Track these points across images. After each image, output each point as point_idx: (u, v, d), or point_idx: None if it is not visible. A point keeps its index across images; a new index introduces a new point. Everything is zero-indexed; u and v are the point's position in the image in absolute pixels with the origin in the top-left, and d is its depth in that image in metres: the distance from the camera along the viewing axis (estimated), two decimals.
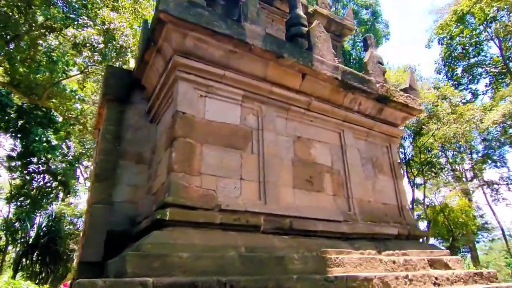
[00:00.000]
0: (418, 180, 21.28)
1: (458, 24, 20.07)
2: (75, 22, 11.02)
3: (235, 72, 4.13)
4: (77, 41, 11.18)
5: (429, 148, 19.95)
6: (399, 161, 5.94)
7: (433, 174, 20.09)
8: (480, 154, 22.38)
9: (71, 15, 10.90)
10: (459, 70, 24.85)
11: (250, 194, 3.82)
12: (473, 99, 23.23)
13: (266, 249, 3.33)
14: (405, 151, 20.64)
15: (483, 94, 24.17)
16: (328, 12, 6.66)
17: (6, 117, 14.51)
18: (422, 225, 21.24)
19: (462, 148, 21.13)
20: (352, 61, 27.87)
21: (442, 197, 24.30)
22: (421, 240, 5.64)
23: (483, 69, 23.32)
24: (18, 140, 15.96)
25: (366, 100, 5.28)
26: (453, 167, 23.11)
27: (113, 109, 4.62)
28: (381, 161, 5.46)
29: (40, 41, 12.15)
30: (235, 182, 3.76)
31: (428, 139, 19.07)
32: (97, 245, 3.78)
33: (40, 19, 11.17)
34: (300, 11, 5.56)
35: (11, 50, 11.19)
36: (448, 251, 5.07)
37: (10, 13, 10.41)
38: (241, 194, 3.75)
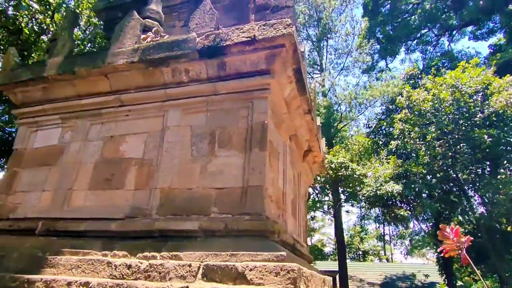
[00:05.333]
0: None
1: None
2: None
3: (54, 102, 4.93)
4: None
5: None
6: (266, 121, 3.89)
7: None
8: None
9: None
10: None
11: (46, 202, 4.38)
12: None
13: (10, 249, 3.86)
14: None
15: None
16: None
17: None
18: None
19: None
20: None
21: None
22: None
23: None
24: None
25: (192, 64, 4.25)
26: None
27: None
28: (231, 130, 4.03)
29: None
30: (38, 194, 4.49)
31: None
32: None
33: None
34: (154, 6, 5.39)
35: None
36: (279, 254, 2.94)
37: None
38: (39, 203, 4.42)
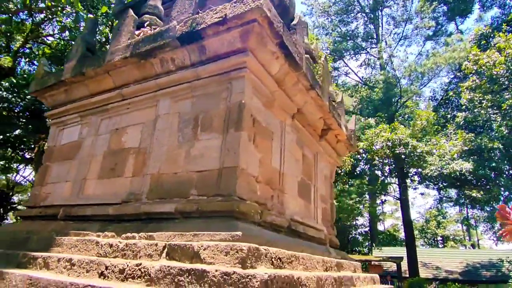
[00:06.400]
0: None
1: None
2: None
3: (74, 102, 5.47)
4: None
5: None
6: (243, 101, 3.69)
7: None
8: None
9: None
10: None
11: (68, 191, 4.93)
12: None
13: (37, 231, 4.47)
14: None
15: None
16: None
17: None
18: None
19: None
20: None
21: None
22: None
23: None
24: None
25: (176, 52, 4.32)
26: None
27: None
28: (212, 114, 4.02)
29: None
30: (62, 184, 5.07)
31: None
32: None
33: None
34: (151, 1, 5.59)
35: None
36: (234, 234, 2.85)
37: None
38: (63, 192, 4.99)
